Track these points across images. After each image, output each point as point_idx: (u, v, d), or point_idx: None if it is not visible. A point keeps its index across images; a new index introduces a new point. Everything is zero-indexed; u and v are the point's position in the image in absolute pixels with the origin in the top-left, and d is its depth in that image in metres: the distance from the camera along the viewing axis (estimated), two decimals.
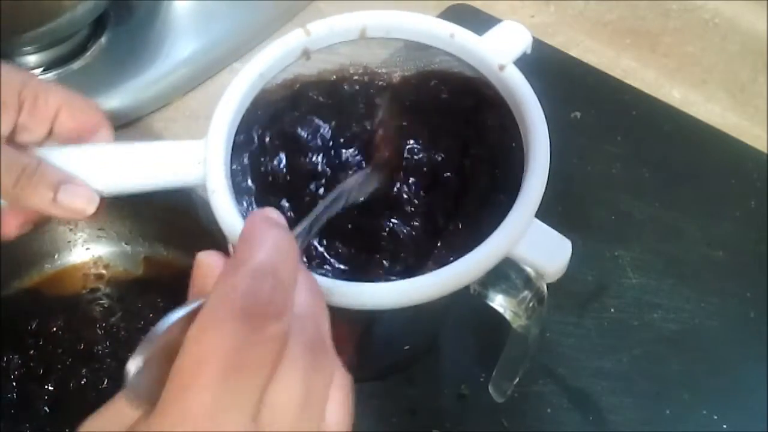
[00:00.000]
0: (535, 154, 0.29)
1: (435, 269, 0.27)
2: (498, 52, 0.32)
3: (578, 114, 0.53)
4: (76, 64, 0.52)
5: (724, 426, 0.40)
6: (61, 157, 0.29)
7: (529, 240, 0.28)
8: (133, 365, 0.18)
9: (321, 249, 0.34)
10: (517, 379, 0.35)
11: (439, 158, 0.35)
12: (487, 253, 0.27)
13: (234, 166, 0.31)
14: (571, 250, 0.28)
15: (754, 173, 0.50)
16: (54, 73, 0.52)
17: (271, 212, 0.22)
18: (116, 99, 0.50)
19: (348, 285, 0.26)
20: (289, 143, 0.34)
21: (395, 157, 0.35)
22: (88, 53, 0.53)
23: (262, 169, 0.33)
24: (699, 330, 0.43)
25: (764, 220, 0.47)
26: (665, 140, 0.52)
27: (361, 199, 0.32)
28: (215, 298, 0.18)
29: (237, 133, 0.32)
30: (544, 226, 0.28)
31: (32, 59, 0.51)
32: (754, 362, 0.42)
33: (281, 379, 0.19)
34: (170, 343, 0.19)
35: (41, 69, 0.51)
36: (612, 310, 0.44)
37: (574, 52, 0.57)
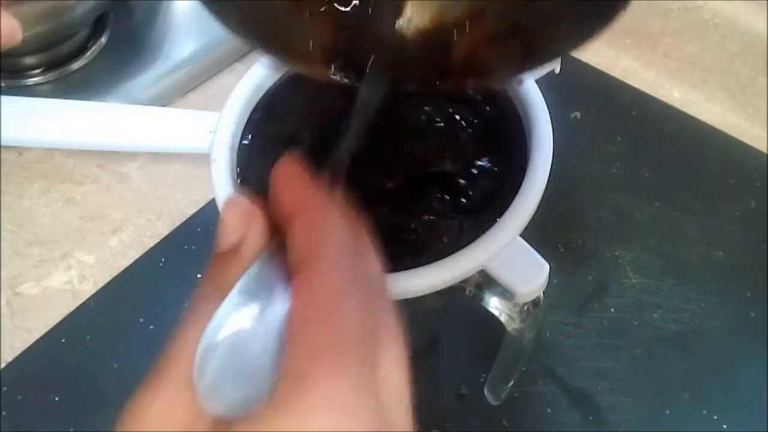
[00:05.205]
0: (533, 173, 0.30)
1: (409, 268, 0.27)
2: None
3: (578, 114, 0.53)
4: (76, 64, 0.52)
5: (724, 426, 0.40)
6: (82, 113, 0.30)
7: (506, 257, 0.28)
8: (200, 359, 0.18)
9: None
10: (512, 382, 0.36)
11: (448, 157, 0.35)
12: (457, 263, 0.27)
13: (244, 141, 0.32)
14: (547, 273, 0.28)
15: (754, 173, 0.50)
16: (54, 73, 0.52)
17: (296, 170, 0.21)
18: (116, 99, 0.50)
19: None
20: (306, 128, 0.34)
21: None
22: (88, 53, 0.53)
23: (273, 146, 0.34)
24: (699, 330, 0.43)
25: (764, 220, 0.47)
26: (665, 140, 0.52)
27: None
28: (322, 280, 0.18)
29: (255, 110, 0.33)
30: (526, 245, 0.28)
31: (32, 59, 0.51)
32: (754, 362, 0.42)
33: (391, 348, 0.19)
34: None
35: (41, 69, 0.51)
36: (612, 310, 0.44)
37: (573, 52, 0.57)
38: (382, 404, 0.18)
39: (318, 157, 0.34)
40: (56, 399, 0.40)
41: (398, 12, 0.30)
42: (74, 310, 0.43)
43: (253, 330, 0.19)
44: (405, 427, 0.19)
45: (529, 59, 0.28)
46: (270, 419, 0.17)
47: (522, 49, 0.28)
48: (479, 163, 0.33)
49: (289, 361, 0.17)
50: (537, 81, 0.33)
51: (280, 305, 0.19)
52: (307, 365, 0.17)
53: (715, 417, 0.40)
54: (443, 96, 0.35)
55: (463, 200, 0.32)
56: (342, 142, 0.25)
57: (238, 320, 0.19)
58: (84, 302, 0.43)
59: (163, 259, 0.45)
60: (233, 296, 0.19)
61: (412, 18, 0.30)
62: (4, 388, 0.40)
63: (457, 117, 0.35)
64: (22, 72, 0.51)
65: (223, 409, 0.18)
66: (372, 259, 0.21)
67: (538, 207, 0.29)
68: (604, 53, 0.57)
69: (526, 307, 0.30)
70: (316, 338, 0.17)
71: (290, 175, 0.21)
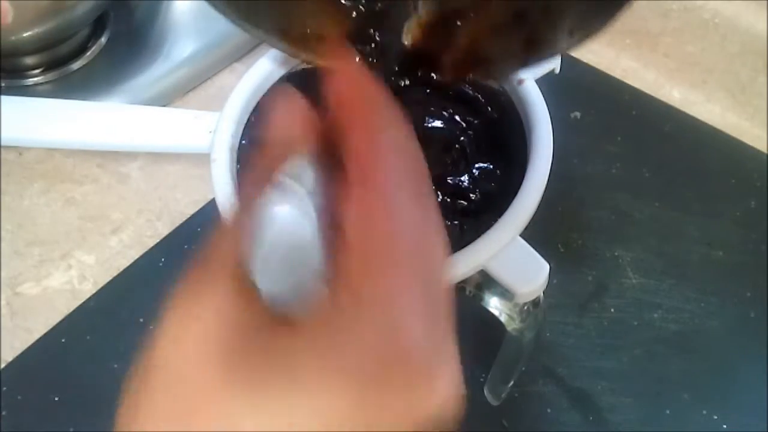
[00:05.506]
0: (533, 173, 0.29)
1: None
2: None
3: (578, 114, 0.53)
4: (76, 64, 0.52)
5: (724, 426, 0.40)
6: (82, 113, 0.30)
7: (506, 257, 0.28)
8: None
9: None
10: (512, 382, 0.36)
11: (449, 159, 0.35)
12: (457, 263, 0.27)
13: (244, 141, 0.32)
14: (547, 273, 0.28)
15: (754, 173, 0.50)
16: (54, 73, 0.52)
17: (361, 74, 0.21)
18: (116, 99, 0.50)
19: None
20: None
21: None
22: (88, 53, 0.53)
23: None
24: (699, 330, 0.43)
25: (764, 220, 0.47)
26: (665, 140, 0.52)
27: None
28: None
29: (255, 110, 0.33)
30: (526, 245, 0.28)
31: (32, 59, 0.51)
32: (754, 362, 0.42)
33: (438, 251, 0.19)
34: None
35: (41, 69, 0.51)
36: (612, 310, 0.44)
37: (574, 53, 0.57)
38: (435, 314, 0.18)
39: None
40: (56, 399, 0.40)
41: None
42: (74, 310, 0.43)
43: (302, 216, 0.19)
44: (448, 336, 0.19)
45: (533, 52, 0.28)
46: (326, 330, 0.17)
47: (525, 42, 0.28)
48: (479, 164, 0.33)
49: (347, 272, 0.18)
50: (537, 81, 0.33)
51: (327, 200, 0.19)
52: (370, 284, 0.17)
53: (715, 417, 0.40)
54: (443, 95, 0.35)
55: (464, 202, 0.33)
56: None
57: (289, 204, 0.19)
58: (84, 302, 0.43)
59: (163, 259, 0.45)
60: (283, 183, 0.19)
61: (419, 6, 0.29)
62: (4, 388, 0.40)
63: (457, 118, 0.35)
64: (22, 72, 0.51)
65: (275, 293, 0.18)
66: (423, 165, 0.21)
67: (538, 207, 0.29)
68: (604, 53, 0.57)
69: (526, 307, 0.30)
70: (375, 258, 0.18)
71: (352, 76, 0.21)
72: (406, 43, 0.29)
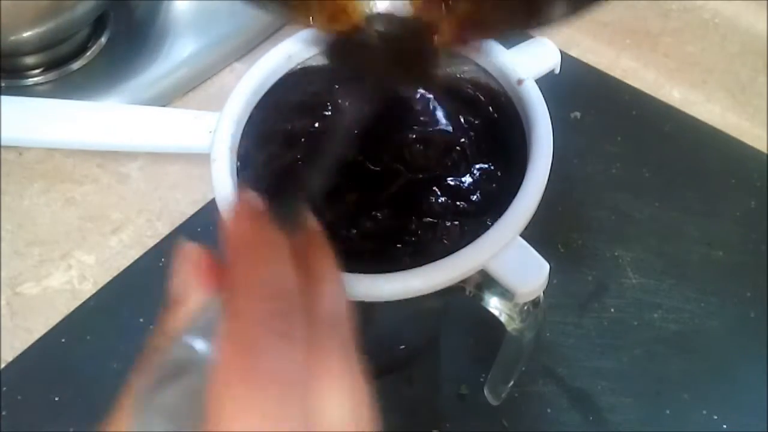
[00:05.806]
0: (533, 173, 0.29)
1: (410, 268, 0.27)
2: (520, 67, 0.32)
3: (578, 114, 0.53)
4: (76, 64, 0.52)
5: (724, 426, 0.40)
6: (82, 113, 0.30)
7: (506, 257, 0.28)
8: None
9: None
10: (512, 382, 0.36)
11: (449, 159, 0.35)
12: (457, 263, 0.27)
13: (244, 141, 0.33)
14: (548, 273, 0.28)
15: (754, 173, 0.50)
16: (54, 73, 0.52)
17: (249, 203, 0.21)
18: (116, 99, 0.50)
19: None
20: (306, 128, 0.34)
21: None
22: (88, 53, 0.53)
23: (272, 146, 0.34)
24: (699, 330, 0.43)
25: (764, 220, 0.47)
26: (665, 140, 0.52)
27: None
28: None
29: (256, 109, 0.33)
30: (526, 245, 0.28)
31: (32, 59, 0.51)
32: (754, 362, 0.42)
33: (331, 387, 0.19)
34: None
35: (41, 69, 0.51)
36: (612, 310, 0.44)
37: (574, 52, 0.57)
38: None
39: (317, 157, 0.34)
40: (56, 399, 0.40)
41: None
42: (74, 310, 0.43)
43: (192, 376, 0.19)
44: None
45: (533, 16, 0.28)
46: None
47: (525, 5, 0.28)
48: (480, 164, 0.33)
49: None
50: (537, 81, 0.33)
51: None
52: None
53: (715, 417, 0.40)
54: (443, 96, 0.35)
55: (464, 203, 0.32)
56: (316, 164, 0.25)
57: (174, 369, 0.19)
58: (84, 302, 0.43)
59: (163, 259, 0.45)
60: (169, 352, 0.19)
61: None
62: (4, 388, 0.40)
63: (458, 118, 0.35)
64: (22, 72, 0.51)
65: None
66: (325, 292, 0.20)
67: (538, 207, 0.29)
68: (604, 53, 0.57)
69: (526, 307, 0.30)
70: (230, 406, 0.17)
71: (241, 216, 0.21)
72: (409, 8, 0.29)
